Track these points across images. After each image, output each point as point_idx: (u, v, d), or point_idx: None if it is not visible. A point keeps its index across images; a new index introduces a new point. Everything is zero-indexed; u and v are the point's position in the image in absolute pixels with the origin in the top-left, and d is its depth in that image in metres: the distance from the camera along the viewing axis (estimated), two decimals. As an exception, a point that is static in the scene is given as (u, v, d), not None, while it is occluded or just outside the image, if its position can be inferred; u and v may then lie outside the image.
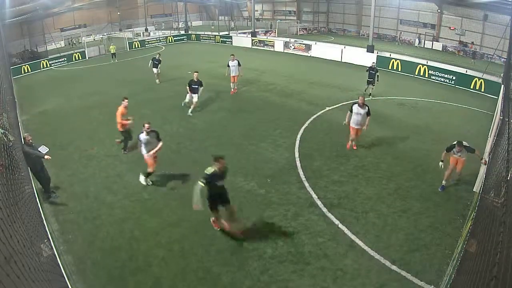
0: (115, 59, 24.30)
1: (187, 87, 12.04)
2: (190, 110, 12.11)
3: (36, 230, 4.81)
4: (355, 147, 9.18)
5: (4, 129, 5.69)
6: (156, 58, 16.65)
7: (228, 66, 14.06)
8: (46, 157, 6.83)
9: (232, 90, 14.56)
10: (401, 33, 34.85)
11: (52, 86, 18.19)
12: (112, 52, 24.44)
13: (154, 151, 7.37)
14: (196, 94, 11.95)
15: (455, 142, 6.94)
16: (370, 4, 21.37)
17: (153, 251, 5.67)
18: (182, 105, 12.59)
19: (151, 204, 6.99)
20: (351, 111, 8.55)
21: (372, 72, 13.21)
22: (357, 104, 8.51)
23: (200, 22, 54.97)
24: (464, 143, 6.90)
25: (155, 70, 16.75)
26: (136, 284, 5.04)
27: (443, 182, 7.33)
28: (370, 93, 13.55)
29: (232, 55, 14.21)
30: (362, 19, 39.32)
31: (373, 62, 14.36)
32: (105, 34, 35.34)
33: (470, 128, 10.49)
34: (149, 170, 7.58)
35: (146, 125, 7.20)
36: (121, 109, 8.99)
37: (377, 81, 13.19)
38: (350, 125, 8.66)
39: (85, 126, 11.44)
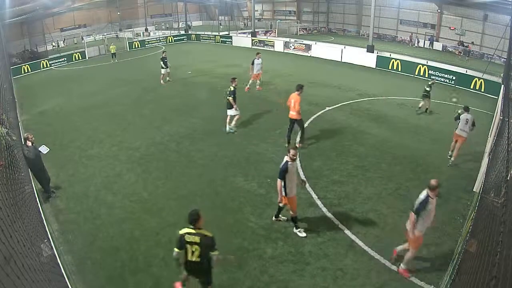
0: (115, 59, 24.33)
1: (232, 99, 9.80)
2: (232, 126, 10.34)
3: (36, 230, 4.81)
4: None
5: (6, 128, 5.71)
6: (163, 56, 16.22)
7: (253, 64, 14.35)
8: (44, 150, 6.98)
9: (258, 86, 14.85)
10: (412, 34, 33.94)
11: (52, 86, 18.21)
12: (112, 52, 24.49)
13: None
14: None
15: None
16: (370, 4, 21.36)
17: (153, 251, 5.67)
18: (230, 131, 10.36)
19: (151, 204, 6.99)
20: (425, 207, 4.59)
21: (428, 89, 12.05)
22: (429, 196, 4.60)
23: (200, 22, 54.95)
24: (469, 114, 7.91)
25: (163, 70, 16.29)
26: (136, 284, 5.04)
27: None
28: (427, 108, 12.26)
29: (258, 53, 14.55)
30: (362, 19, 39.30)
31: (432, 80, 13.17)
32: (106, 34, 35.33)
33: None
34: (293, 214, 5.88)
35: (292, 151, 5.35)
36: (298, 97, 8.73)
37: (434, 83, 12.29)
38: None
39: (85, 126, 11.43)
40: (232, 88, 9.84)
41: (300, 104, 8.81)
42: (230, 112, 10.08)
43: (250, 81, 14.67)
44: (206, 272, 4.09)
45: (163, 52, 16.89)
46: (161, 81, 16.54)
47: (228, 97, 9.85)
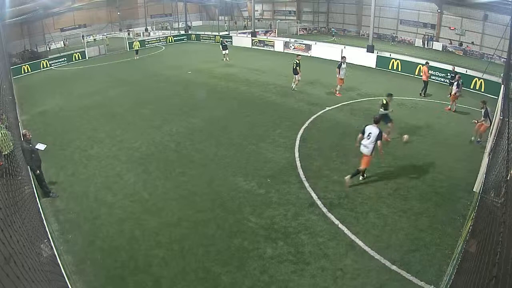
0: (137, 56, 25.03)
1: (299, 68, 14.42)
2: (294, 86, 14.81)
3: (36, 230, 4.81)
4: None
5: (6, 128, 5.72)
6: (225, 42, 22.05)
7: (339, 68, 13.79)
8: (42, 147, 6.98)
9: (338, 92, 14.38)
10: (429, 37, 32.68)
11: (52, 86, 18.20)
12: (135, 48, 25.59)
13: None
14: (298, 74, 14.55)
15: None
16: (370, 4, 21.33)
17: (153, 251, 5.67)
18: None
19: (151, 204, 6.99)
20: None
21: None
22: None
23: (200, 22, 54.93)
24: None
25: (224, 52, 21.53)
26: (136, 284, 5.04)
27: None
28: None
29: (344, 57, 14.39)
30: (362, 19, 39.30)
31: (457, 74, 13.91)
32: (106, 34, 35.32)
33: (470, 128, 10.48)
34: (363, 167, 7.34)
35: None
36: (426, 68, 13.99)
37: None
38: None
39: (85, 126, 11.43)
40: (298, 61, 14.34)
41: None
42: (297, 77, 14.55)
43: (338, 87, 14.25)
44: None
45: (224, 39, 23.04)
46: (225, 59, 21.66)
47: (296, 67, 14.37)
